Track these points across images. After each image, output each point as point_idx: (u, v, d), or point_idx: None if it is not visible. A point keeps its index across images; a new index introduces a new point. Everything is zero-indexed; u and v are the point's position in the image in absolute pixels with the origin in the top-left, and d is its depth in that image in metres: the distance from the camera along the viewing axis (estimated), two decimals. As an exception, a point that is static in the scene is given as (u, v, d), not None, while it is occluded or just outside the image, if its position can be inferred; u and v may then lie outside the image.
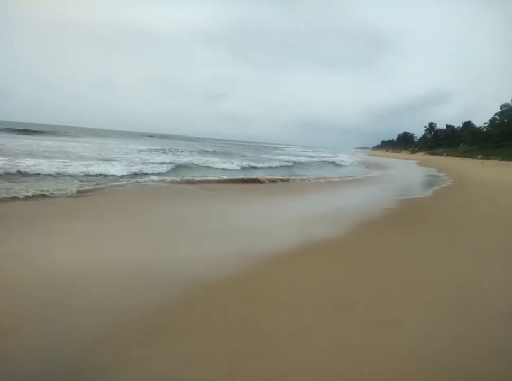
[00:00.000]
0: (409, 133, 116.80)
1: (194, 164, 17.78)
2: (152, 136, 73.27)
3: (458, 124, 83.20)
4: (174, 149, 29.00)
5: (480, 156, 52.76)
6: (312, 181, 15.59)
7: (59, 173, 11.00)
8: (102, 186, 9.66)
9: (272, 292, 3.72)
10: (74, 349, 2.61)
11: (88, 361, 2.50)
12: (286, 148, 72.69)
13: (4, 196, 7.30)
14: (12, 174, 10.22)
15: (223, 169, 17.42)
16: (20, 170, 10.62)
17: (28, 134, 36.84)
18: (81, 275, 3.84)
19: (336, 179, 17.07)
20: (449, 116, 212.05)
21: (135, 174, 12.58)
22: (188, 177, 12.91)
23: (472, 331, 3.11)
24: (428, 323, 3.20)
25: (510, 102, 61.01)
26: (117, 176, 11.68)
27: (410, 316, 3.33)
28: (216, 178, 13.47)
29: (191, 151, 29.20)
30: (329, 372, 2.48)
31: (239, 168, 18.44)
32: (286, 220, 7.30)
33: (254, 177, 14.58)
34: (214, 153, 31.19)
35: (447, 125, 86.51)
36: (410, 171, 28.69)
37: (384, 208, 9.29)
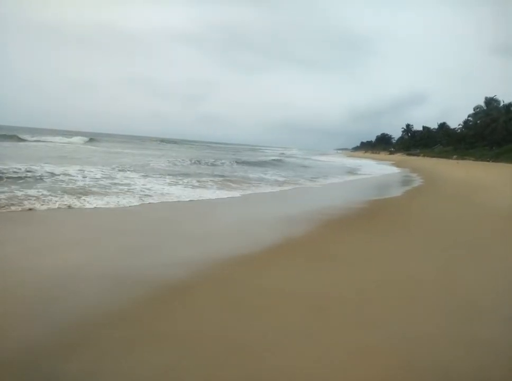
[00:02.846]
0: (387, 134, 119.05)
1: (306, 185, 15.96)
2: (163, 141, 71.00)
3: (434, 125, 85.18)
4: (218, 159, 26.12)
5: (455, 156, 54.12)
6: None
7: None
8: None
9: (248, 294, 3.71)
10: (47, 356, 2.53)
11: (62, 369, 2.41)
12: (290, 152, 70.25)
13: None
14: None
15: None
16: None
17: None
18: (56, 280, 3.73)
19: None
20: (425, 117, 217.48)
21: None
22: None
23: (445, 330, 3.13)
24: (401, 324, 3.22)
25: (483, 104, 62.79)
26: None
27: (384, 316, 3.34)
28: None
29: (237, 162, 25.77)
30: (305, 375, 2.47)
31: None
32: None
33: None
34: (271, 164, 27.00)
35: (423, 127, 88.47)
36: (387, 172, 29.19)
37: (356, 207, 9.40)
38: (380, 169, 31.82)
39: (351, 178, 21.10)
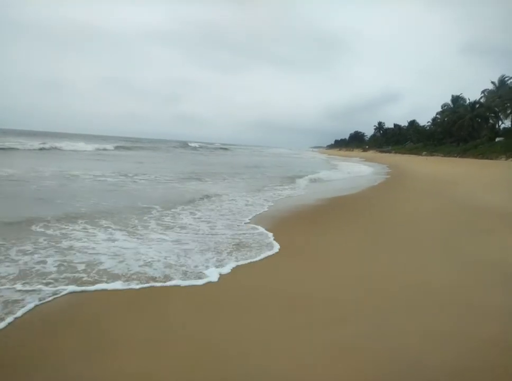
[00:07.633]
0: (360, 132, 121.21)
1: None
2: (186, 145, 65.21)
3: (405, 122, 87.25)
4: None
5: (424, 153, 55.73)
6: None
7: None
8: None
9: (216, 296, 3.69)
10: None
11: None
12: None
13: None
14: None
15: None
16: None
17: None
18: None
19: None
20: (397, 115, 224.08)
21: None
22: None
23: (410, 327, 3.17)
24: (376, 321, 3.25)
25: (450, 102, 64.88)
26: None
27: (359, 313, 3.38)
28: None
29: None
30: (283, 374, 2.48)
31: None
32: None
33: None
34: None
35: (394, 124, 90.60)
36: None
37: (319, 204, 9.54)
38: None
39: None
